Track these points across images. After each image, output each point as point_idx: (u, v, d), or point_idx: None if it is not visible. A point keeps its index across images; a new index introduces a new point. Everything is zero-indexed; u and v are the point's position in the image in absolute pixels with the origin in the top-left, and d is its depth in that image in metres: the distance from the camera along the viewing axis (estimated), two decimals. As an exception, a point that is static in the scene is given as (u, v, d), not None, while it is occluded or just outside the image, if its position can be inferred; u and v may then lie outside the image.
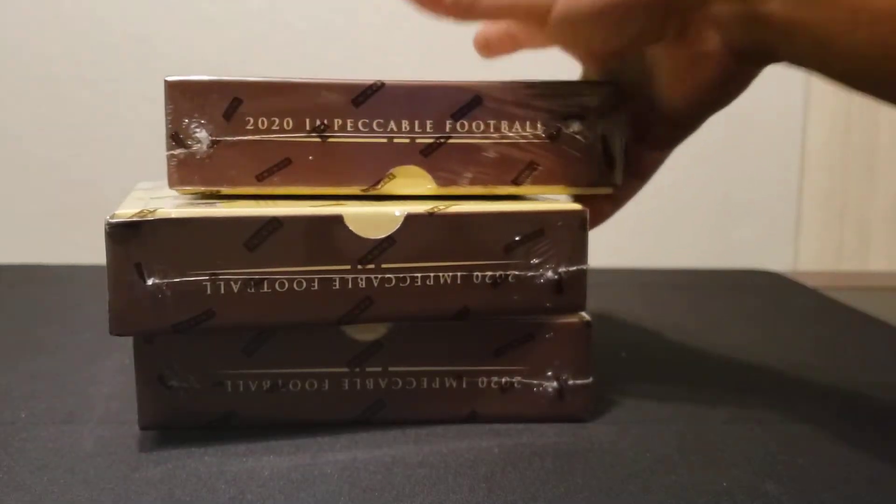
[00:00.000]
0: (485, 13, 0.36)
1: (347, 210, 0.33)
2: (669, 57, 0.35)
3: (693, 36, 0.34)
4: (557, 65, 0.43)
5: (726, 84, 0.35)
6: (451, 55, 0.87)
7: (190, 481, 0.31)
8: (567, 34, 0.35)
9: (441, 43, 0.87)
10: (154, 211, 0.32)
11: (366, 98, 0.34)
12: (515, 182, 0.37)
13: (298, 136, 0.35)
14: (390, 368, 0.35)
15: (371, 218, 0.33)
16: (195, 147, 0.34)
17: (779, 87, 0.87)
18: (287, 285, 0.33)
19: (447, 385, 0.36)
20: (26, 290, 0.63)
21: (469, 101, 0.36)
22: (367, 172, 0.35)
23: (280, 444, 0.34)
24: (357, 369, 0.35)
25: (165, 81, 0.34)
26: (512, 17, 0.37)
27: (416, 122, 0.36)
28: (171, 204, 0.34)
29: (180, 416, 0.35)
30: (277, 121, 0.35)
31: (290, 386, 0.35)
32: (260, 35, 0.84)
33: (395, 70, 0.85)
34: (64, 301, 0.59)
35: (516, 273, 0.35)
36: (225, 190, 0.35)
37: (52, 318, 0.54)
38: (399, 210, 0.34)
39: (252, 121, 0.34)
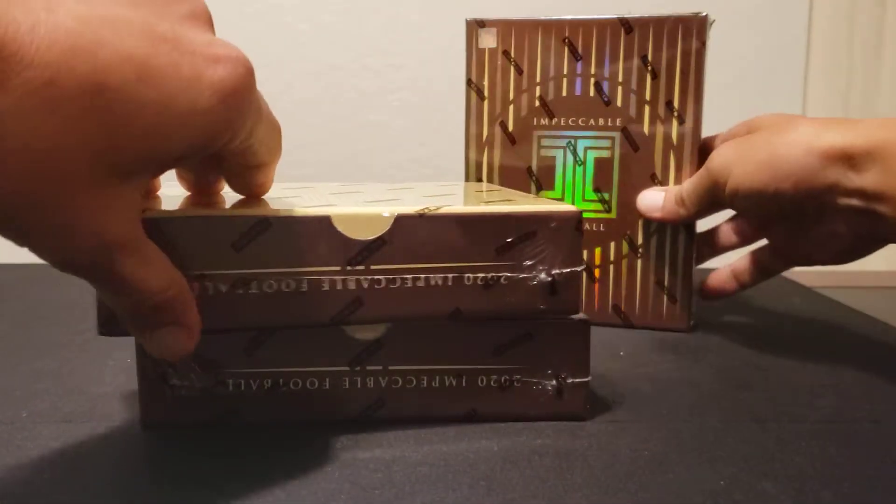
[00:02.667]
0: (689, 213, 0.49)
1: (336, 211, 0.33)
2: (812, 233, 0.47)
3: (827, 220, 0.45)
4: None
5: (854, 252, 0.47)
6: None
7: (192, 479, 0.31)
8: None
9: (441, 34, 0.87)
10: (142, 211, 0.32)
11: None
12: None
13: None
14: (390, 367, 0.36)
15: (361, 219, 0.33)
16: None
17: (776, 89, 0.87)
18: (275, 286, 0.33)
19: (447, 383, 0.36)
20: (27, 290, 0.63)
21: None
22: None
23: (281, 442, 0.34)
24: (357, 368, 0.35)
25: None
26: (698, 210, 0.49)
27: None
28: (163, 205, 0.34)
29: (182, 414, 0.35)
30: None
31: (291, 385, 0.35)
32: (261, 36, 0.84)
33: (395, 71, 0.85)
34: (65, 300, 0.60)
35: (508, 275, 0.35)
36: None
37: (53, 318, 0.55)
38: (388, 211, 0.34)
39: None
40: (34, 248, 0.26)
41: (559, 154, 0.53)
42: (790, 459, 0.33)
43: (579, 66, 0.52)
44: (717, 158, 0.46)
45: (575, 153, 0.53)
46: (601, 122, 0.52)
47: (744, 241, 0.55)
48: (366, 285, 0.34)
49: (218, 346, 0.35)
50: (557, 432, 0.36)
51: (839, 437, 0.36)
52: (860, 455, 0.34)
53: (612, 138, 0.52)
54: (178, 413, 0.35)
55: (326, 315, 0.34)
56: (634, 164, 0.52)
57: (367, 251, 0.33)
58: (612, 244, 0.53)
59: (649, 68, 0.51)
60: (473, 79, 0.54)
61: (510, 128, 0.54)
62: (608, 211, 0.53)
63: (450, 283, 0.34)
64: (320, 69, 0.85)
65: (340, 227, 0.33)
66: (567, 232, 0.35)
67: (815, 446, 0.35)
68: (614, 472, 0.32)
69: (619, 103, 0.52)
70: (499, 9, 0.86)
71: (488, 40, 0.53)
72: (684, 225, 0.52)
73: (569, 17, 0.52)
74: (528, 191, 0.54)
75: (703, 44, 0.50)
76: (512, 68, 0.53)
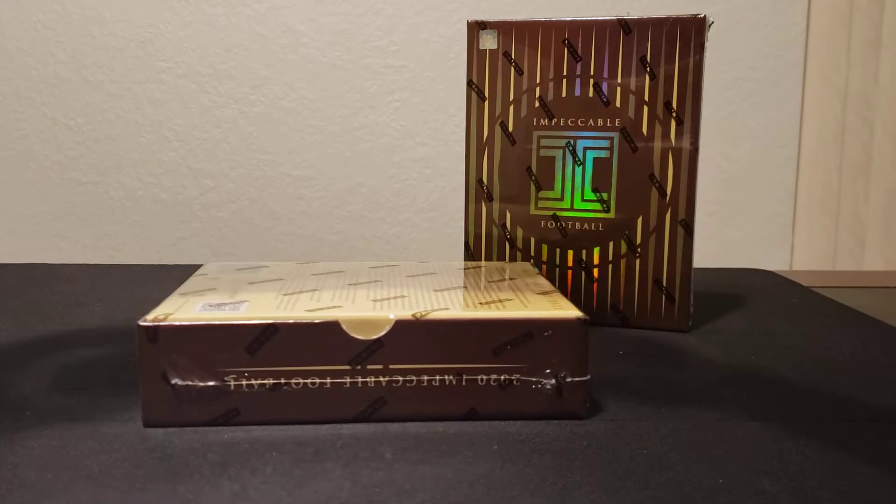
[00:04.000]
0: None
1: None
2: None
3: None
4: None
5: None
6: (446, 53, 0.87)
7: (193, 478, 0.31)
8: None
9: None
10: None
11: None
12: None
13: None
14: (391, 366, 0.36)
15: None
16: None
17: (775, 90, 0.87)
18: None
19: (447, 383, 0.36)
20: (30, 290, 0.63)
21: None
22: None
23: (282, 441, 0.34)
24: (358, 367, 0.36)
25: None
26: None
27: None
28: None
29: (183, 414, 0.35)
30: None
31: (293, 384, 0.36)
32: (260, 37, 0.84)
33: (395, 72, 0.85)
34: (67, 300, 0.60)
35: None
36: None
37: (56, 317, 0.55)
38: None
39: None
40: None
41: (558, 154, 0.54)
42: (789, 458, 0.33)
43: (579, 67, 0.52)
44: None
45: (574, 153, 0.53)
46: (600, 122, 0.53)
47: None
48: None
49: (219, 345, 0.35)
50: (557, 431, 0.36)
51: (839, 436, 0.36)
52: (859, 455, 0.34)
53: (611, 139, 0.52)
54: (180, 413, 0.35)
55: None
56: (633, 164, 0.52)
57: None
58: (611, 244, 0.54)
59: (648, 69, 0.51)
60: (474, 80, 0.54)
61: (510, 128, 0.54)
62: (607, 211, 0.53)
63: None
64: (320, 69, 0.85)
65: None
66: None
67: (815, 445, 0.35)
68: (614, 471, 0.32)
69: (617, 104, 0.52)
70: (499, 10, 0.86)
71: (489, 42, 0.54)
72: (683, 225, 0.52)
73: (568, 18, 0.52)
74: (527, 191, 0.54)
75: (701, 45, 0.50)
76: (512, 69, 0.54)
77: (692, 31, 0.50)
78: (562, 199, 0.54)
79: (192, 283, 0.43)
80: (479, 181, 0.55)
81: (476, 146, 0.55)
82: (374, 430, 0.36)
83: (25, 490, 0.30)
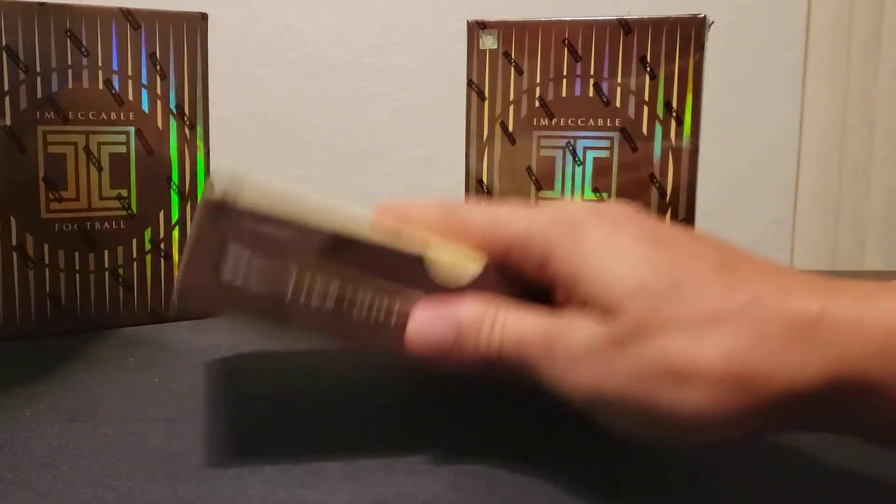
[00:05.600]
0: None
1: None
2: None
3: None
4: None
5: None
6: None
7: (193, 479, 0.31)
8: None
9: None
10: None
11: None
12: None
13: None
14: None
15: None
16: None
17: (775, 88, 0.87)
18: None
19: None
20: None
21: None
22: None
23: (282, 442, 0.34)
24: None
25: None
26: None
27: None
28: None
29: (225, 303, 0.30)
30: None
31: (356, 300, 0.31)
32: (260, 36, 0.84)
33: (395, 71, 0.85)
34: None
35: None
36: None
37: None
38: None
39: None
40: None
41: (558, 154, 0.54)
42: (790, 459, 0.33)
43: (579, 66, 0.52)
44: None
45: (574, 153, 0.53)
46: (600, 122, 0.53)
47: None
48: None
49: (290, 243, 0.30)
50: (559, 432, 0.36)
51: (840, 436, 0.36)
52: (861, 455, 0.34)
53: (611, 138, 0.52)
54: (220, 301, 0.30)
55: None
56: (633, 164, 0.52)
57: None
58: (612, 244, 0.53)
59: (648, 69, 0.51)
60: (474, 80, 0.54)
61: (510, 128, 0.54)
62: (607, 211, 0.53)
63: None
64: (320, 69, 0.85)
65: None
66: None
67: (816, 446, 0.35)
68: (615, 473, 0.32)
69: (618, 104, 0.52)
70: (499, 9, 0.86)
71: (489, 42, 0.54)
72: (683, 225, 0.52)
73: (568, 18, 0.52)
74: (528, 190, 0.54)
75: (701, 45, 0.50)
76: (512, 69, 0.54)
77: (692, 31, 0.50)
78: (562, 198, 0.54)
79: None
80: (479, 181, 0.55)
81: (476, 146, 0.55)
82: (375, 433, 0.36)
83: (26, 490, 0.30)
